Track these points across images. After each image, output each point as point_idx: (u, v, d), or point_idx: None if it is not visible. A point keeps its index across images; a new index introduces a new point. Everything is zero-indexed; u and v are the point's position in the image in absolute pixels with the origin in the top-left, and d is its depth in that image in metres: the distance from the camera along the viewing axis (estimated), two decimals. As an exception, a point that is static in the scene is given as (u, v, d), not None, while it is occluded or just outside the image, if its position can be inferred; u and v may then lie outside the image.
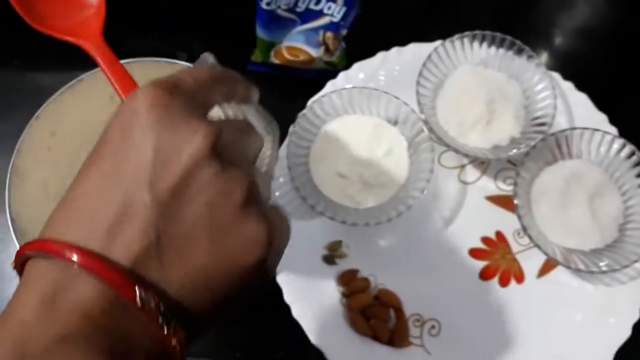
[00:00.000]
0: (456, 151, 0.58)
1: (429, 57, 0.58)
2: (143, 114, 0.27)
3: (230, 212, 0.27)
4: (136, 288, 0.24)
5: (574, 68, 0.64)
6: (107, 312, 0.24)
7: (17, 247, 0.53)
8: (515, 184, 0.55)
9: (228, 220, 0.27)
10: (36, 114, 0.57)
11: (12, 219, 0.54)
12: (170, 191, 0.26)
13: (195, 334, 0.28)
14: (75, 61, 0.51)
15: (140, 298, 0.24)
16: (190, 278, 0.26)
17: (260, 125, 0.36)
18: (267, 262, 0.28)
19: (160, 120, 0.27)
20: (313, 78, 0.64)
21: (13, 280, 0.27)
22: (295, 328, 0.55)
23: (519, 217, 0.54)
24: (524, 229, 0.54)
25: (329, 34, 0.59)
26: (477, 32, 0.59)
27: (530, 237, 0.54)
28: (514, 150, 0.57)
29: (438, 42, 0.62)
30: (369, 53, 0.63)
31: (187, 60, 0.60)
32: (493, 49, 0.60)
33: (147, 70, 0.58)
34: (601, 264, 0.54)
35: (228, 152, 0.28)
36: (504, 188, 0.61)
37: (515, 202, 0.55)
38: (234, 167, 0.28)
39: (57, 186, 0.57)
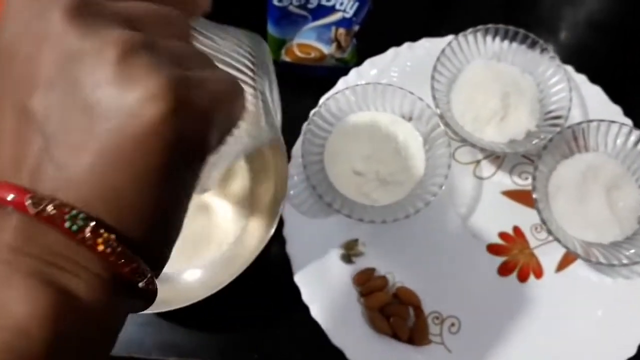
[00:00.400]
0: (473, 146, 0.57)
1: (443, 51, 0.58)
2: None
3: (103, 76, 0.21)
4: (27, 196, 0.21)
5: (587, 60, 0.63)
6: (21, 236, 0.21)
7: None
8: (533, 177, 0.55)
9: (103, 86, 0.21)
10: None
11: None
12: (39, 87, 0.22)
13: (152, 254, 0.23)
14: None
15: (34, 203, 0.21)
16: (91, 169, 0.21)
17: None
18: (183, 128, 0.21)
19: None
20: (324, 75, 0.63)
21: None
22: (314, 328, 0.54)
23: (538, 211, 0.54)
24: (543, 222, 0.54)
25: (341, 30, 0.58)
26: (490, 25, 0.59)
27: (549, 231, 0.53)
28: (531, 144, 0.56)
29: (450, 37, 0.61)
30: (380, 49, 0.63)
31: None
32: (506, 42, 0.60)
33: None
34: (621, 256, 0.53)
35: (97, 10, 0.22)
36: (520, 183, 0.61)
37: (534, 196, 0.54)
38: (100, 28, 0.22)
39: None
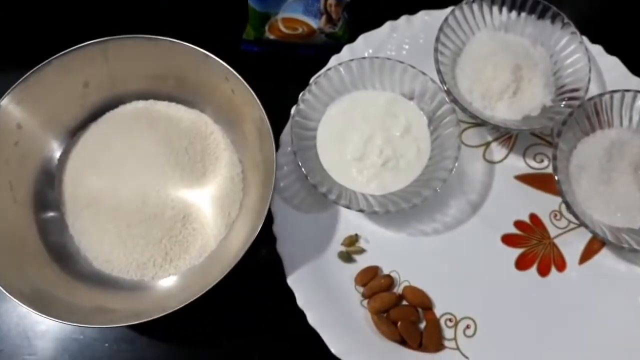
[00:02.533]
0: (481, 126, 0.51)
1: (446, 20, 0.52)
2: None
3: None
4: None
5: (602, 30, 0.58)
6: None
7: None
8: (554, 157, 0.49)
9: None
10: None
11: None
12: None
13: None
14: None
15: None
16: None
17: None
18: None
19: None
20: (312, 55, 0.57)
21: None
22: (312, 337, 0.47)
23: (562, 194, 0.48)
24: (568, 206, 0.48)
25: (330, 1, 0.52)
26: (497, -8, 0.53)
27: (575, 215, 0.47)
28: (549, 120, 0.50)
29: (450, 9, 0.56)
30: (374, 24, 0.57)
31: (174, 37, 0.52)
32: (514, 11, 0.54)
33: (138, 46, 0.50)
34: (656, 242, 0.47)
35: None
36: (535, 166, 0.55)
37: (557, 177, 0.48)
38: None
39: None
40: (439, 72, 0.50)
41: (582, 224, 0.47)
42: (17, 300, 0.42)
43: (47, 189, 0.51)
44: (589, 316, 0.50)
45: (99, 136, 0.53)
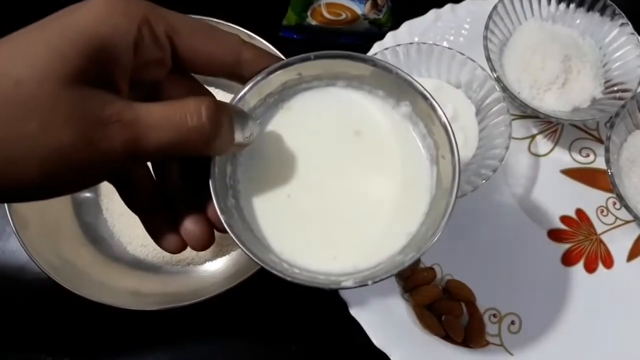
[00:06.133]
0: (533, 114, 0.50)
1: (495, 8, 0.51)
2: None
3: None
4: None
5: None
6: None
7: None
8: (606, 149, 0.47)
9: None
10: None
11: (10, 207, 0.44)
12: None
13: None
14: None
15: None
16: None
17: None
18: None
19: None
20: (353, 43, 0.55)
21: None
22: (357, 328, 0.46)
23: (614, 187, 0.46)
24: (620, 199, 0.46)
25: (378, -15, 0.51)
26: (548, -19, 0.52)
27: (628, 209, 0.46)
28: (600, 112, 0.49)
29: (495, -1, 0.55)
30: (417, 11, 0.56)
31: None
32: (563, 3, 0.53)
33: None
34: None
35: None
36: (581, 160, 0.53)
37: (610, 171, 0.47)
38: None
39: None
40: (488, 59, 0.49)
41: (635, 217, 0.46)
42: (54, 279, 0.41)
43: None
44: (637, 315, 0.48)
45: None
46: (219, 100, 0.26)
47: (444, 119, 0.31)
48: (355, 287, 0.29)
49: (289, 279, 0.28)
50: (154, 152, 0.25)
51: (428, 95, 0.31)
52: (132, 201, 0.30)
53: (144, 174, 0.30)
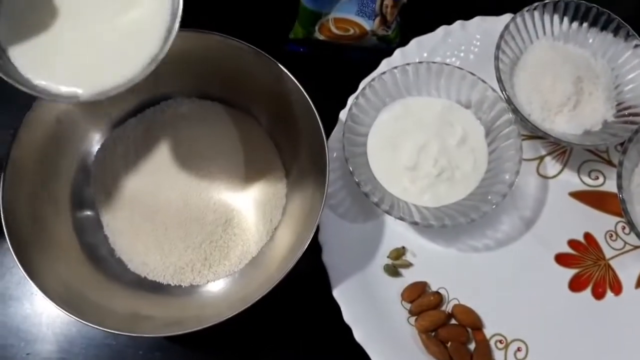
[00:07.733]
0: (536, 139, 0.49)
1: (507, 27, 0.50)
2: None
3: None
4: None
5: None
6: None
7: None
8: (618, 175, 0.46)
9: None
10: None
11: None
12: None
13: None
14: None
15: None
16: None
17: None
18: None
19: None
20: (362, 59, 0.54)
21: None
22: (358, 353, 0.45)
23: (625, 213, 0.45)
24: (632, 226, 0.45)
25: (387, 1, 0.50)
26: (561, 0, 0.51)
27: (639, 236, 0.45)
28: (612, 137, 0.48)
29: (507, 16, 0.54)
30: (426, 28, 0.54)
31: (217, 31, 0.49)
32: (576, 21, 0.52)
33: (185, 41, 0.48)
34: None
35: None
36: (590, 183, 0.52)
37: (621, 196, 0.46)
38: None
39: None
40: (499, 80, 0.48)
41: (647, 246, 0.45)
42: (51, 301, 0.40)
43: (84, 185, 0.49)
44: (646, 343, 0.47)
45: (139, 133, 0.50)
46: None
47: None
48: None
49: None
50: None
51: None
52: None
53: None
